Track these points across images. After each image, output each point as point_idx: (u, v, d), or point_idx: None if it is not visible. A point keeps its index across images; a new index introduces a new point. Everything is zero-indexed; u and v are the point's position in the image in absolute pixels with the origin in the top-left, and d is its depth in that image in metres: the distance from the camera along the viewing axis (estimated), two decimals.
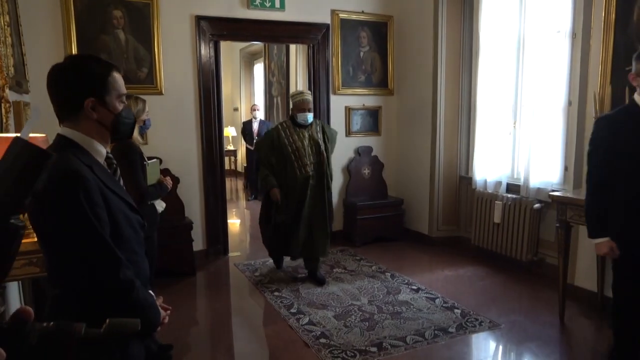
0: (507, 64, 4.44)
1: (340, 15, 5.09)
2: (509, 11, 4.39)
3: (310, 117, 3.97)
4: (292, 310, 3.54)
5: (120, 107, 1.36)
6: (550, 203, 3.82)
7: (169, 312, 1.48)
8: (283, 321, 3.40)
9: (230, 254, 4.98)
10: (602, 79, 3.36)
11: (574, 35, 3.70)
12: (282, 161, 3.94)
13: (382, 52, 5.37)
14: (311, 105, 4.01)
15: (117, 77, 1.36)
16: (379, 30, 5.31)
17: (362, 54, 5.28)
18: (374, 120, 5.45)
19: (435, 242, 5.12)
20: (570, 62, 3.77)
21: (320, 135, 4.03)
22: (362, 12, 5.19)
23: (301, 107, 3.92)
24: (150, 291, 1.46)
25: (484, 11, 4.62)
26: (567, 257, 3.38)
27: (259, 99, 9.80)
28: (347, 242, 5.25)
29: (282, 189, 3.96)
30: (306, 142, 3.94)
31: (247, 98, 10.45)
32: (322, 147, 4.00)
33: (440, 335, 3.12)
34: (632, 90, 3.12)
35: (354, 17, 5.17)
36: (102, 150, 1.37)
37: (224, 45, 4.87)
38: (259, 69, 10.11)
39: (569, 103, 3.81)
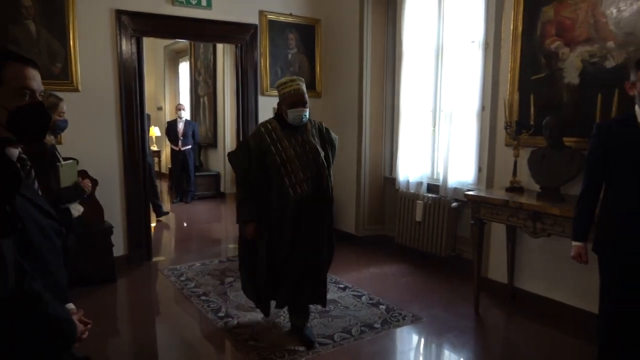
0: (428, 69, 4.68)
1: (268, 16, 5.08)
2: (429, 20, 4.63)
3: (306, 114, 2.86)
4: (220, 314, 3.48)
5: (19, 102, 1.21)
6: (466, 202, 4.07)
7: (89, 326, 1.38)
8: (211, 326, 3.34)
9: (155, 259, 4.80)
10: (510, 86, 3.65)
11: (486, 45, 3.98)
12: (267, 177, 2.88)
13: (310, 55, 5.44)
14: (307, 97, 2.88)
15: (17, 68, 1.22)
16: (307, 33, 5.37)
17: (290, 55, 5.31)
18: None
19: (362, 242, 5.26)
20: (483, 70, 4.04)
21: (317, 139, 2.97)
22: (291, 14, 5.23)
23: (293, 99, 2.79)
24: (71, 304, 1.37)
25: (406, 18, 4.83)
26: (481, 252, 3.62)
27: (185, 99, 9.52)
28: None
29: (269, 216, 2.90)
30: (300, 150, 2.86)
31: (172, 97, 10.12)
32: (322, 155, 2.93)
33: (367, 331, 3.22)
34: (536, 96, 3.44)
35: (282, 19, 5.19)
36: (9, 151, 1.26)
37: (147, 41, 4.69)
38: (184, 67, 9.83)
39: (482, 108, 4.09)
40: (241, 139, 5.13)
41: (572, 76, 3.28)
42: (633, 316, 2.17)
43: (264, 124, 2.96)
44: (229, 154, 3.01)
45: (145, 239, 4.72)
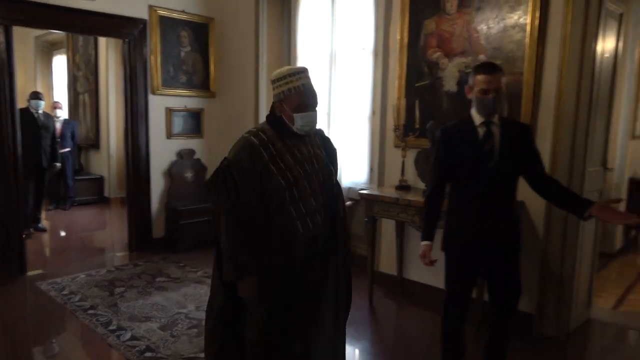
0: (322, 73, 4.83)
1: (159, 12, 4.85)
2: (322, 25, 4.79)
3: (316, 120, 2.12)
4: (112, 328, 3.25)
5: None
6: (359, 200, 4.28)
7: None
8: (101, 341, 3.10)
9: (30, 273, 4.32)
10: (398, 92, 3.92)
11: (375, 52, 4.22)
12: (265, 208, 2.03)
13: (204, 54, 5.30)
14: (317, 98, 2.12)
15: None
16: (200, 32, 5.23)
17: (183, 54, 5.12)
18: (196, 122, 5.34)
19: None
20: (373, 77, 4.29)
21: (322, 151, 2.21)
22: (183, 11, 5.05)
23: (302, 99, 2.04)
24: None
25: (300, 23, 4.95)
26: (374, 247, 3.84)
27: (61, 96, 8.68)
28: (169, 249, 5.03)
29: (270, 265, 2.04)
30: (309, 168, 2.08)
31: (45, 93, 9.15)
32: (333, 172, 2.22)
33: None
34: (421, 102, 3.74)
35: (174, 15, 4.99)
36: None
37: (14, 30, 4.18)
38: (60, 60, 8.96)
39: (373, 112, 4.33)
40: (131, 140, 4.84)
41: (450, 84, 3.63)
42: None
43: (256, 133, 2.08)
44: (209, 184, 2.05)
45: (17, 251, 4.23)
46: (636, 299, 4.08)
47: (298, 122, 2.04)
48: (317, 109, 2.10)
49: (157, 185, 5.08)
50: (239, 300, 2.05)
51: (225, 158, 2.07)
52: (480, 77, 2.27)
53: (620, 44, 3.59)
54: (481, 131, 2.31)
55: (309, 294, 2.05)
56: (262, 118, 5.13)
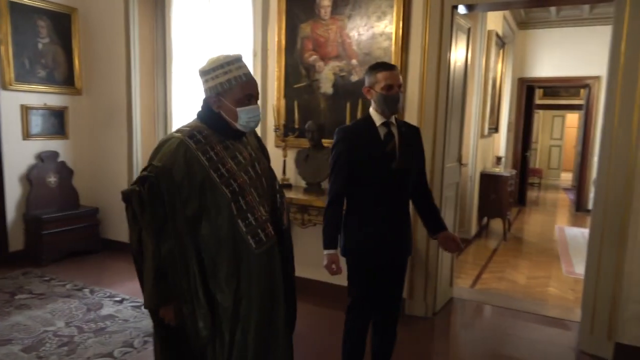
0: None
1: None
2: (198, 24, 4.68)
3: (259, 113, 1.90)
4: None
5: None
6: None
7: None
8: None
9: None
10: (278, 93, 4.00)
11: (255, 54, 4.26)
12: (203, 224, 1.76)
13: (67, 47, 4.85)
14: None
15: None
16: (61, 22, 4.77)
17: (41, 45, 4.63)
18: (59, 121, 4.86)
19: None
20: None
21: (262, 152, 2.05)
22: None
23: (246, 90, 1.80)
24: None
25: (174, 19, 4.78)
26: None
27: None
28: (31, 262, 4.52)
29: (222, 290, 1.77)
30: (253, 172, 1.85)
31: None
32: (275, 175, 2.08)
33: (150, 341, 3.09)
34: (300, 103, 3.85)
35: (27, 2, 4.48)
36: None
37: None
38: None
39: None
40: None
41: (326, 86, 3.80)
42: (376, 294, 2.42)
43: (190, 133, 1.76)
44: (129, 195, 1.71)
45: None
46: (489, 277, 4.68)
47: (243, 117, 1.77)
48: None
49: (13, 192, 4.54)
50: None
51: (151, 163, 1.71)
52: (382, 75, 2.25)
53: (470, 55, 4.09)
54: (382, 132, 2.30)
55: (264, 311, 1.80)
56: (137, 118, 4.94)
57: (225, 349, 1.76)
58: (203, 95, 1.85)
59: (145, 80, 4.91)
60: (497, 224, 6.73)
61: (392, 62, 3.47)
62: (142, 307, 1.68)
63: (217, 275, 1.74)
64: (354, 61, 3.65)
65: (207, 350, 1.79)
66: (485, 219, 6.62)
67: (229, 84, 1.75)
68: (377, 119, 2.31)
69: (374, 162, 2.27)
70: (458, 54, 3.68)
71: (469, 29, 3.89)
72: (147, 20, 4.87)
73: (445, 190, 3.60)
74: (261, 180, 1.86)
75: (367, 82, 2.32)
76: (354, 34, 3.65)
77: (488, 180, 6.21)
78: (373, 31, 3.57)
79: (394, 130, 2.32)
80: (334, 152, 2.34)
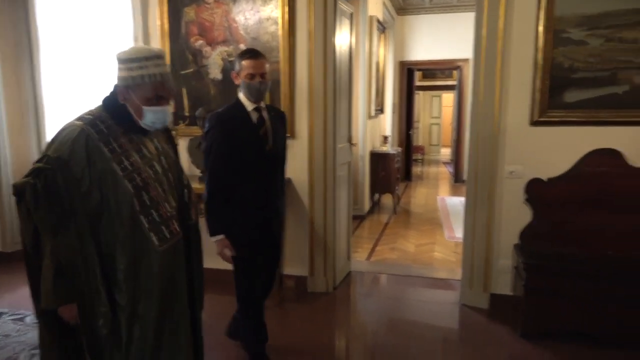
0: (75, 58, 4.34)
1: None
2: (71, 8, 4.28)
3: (169, 115, 1.93)
4: None
5: None
6: None
7: None
8: None
9: None
10: None
11: (135, 39, 4.01)
12: (103, 220, 1.64)
13: None
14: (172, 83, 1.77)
15: None
16: None
17: None
18: None
19: (14, 258, 4.49)
20: None
21: (169, 146, 1.91)
22: None
23: (155, 93, 1.67)
24: None
25: (39, 2, 4.32)
26: None
27: None
28: None
29: (122, 288, 1.68)
30: (159, 167, 1.75)
31: None
32: (183, 170, 1.96)
33: (37, 354, 2.85)
34: (188, 90, 3.74)
35: None
36: None
37: None
38: None
39: None
40: None
41: (215, 72, 3.73)
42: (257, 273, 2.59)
43: (92, 121, 1.64)
44: (20, 187, 1.55)
45: None
46: (383, 249, 5.00)
47: (149, 117, 1.68)
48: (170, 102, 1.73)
49: None
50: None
51: (46, 154, 1.58)
52: (246, 63, 2.37)
53: (354, 39, 4.27)
54: (254, 116, 2.43)
55: (165, 310, 1.73)
56: (1, 106, 4.38)
57: (122, 348, 1.69)
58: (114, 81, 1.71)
59: (9, 70, 4.38)
60: (387, 199, 7.18)
61: (280, 46, 3.52)
62: (33, 315, 1.51)
63: (116, 273, 1.66)
64: (242, 46, 3.62)
65: (103, 351, 1.70)
66: (376, 195, 7.02)
67: (142, 80, 1.63)
68: (248, 105, 2.43)
69: (249, 146, 2.38)
70: (343, 38, 3.82)
71: (351, 14, 4.06)
72: (4, 7, 4.33)
73: (338, 170, 3.76)
74: (167, 175, 1.77)
75: (236, 68, 2.43)
76: (240, 18, 3.61)
77: (377, 159, 6.58)
78: (260, 15, 3.57)
79: (265, 114, 2.47)
80: (208, 139, 2.37)
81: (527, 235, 3.24)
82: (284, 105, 3.56)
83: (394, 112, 8.33)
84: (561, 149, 3.16)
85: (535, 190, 3.20)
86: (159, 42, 3.80)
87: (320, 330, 3.22)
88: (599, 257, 3.03)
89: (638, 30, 2.95)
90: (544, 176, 3.18)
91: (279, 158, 2.58)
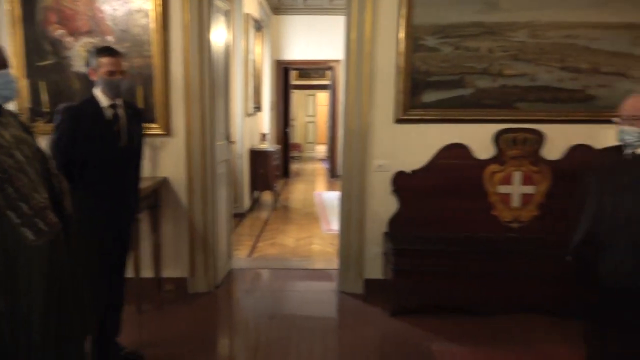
0: None
1: None
2: None
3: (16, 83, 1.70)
4: None
5: None
6: None
7: None
8: None
9: None
10: (17, 72, 3.44)
11: None
12: None
13: None
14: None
15: None
16: None
17: None
18: None
19: None
20: None
21: (28, 134, 1.70)
22: None
23: None
24: None
25: None
26: None
27: None
28: None
29: None
30: (19, 154, 1.55)
31: None
32: (48, 158, 1.78)
33: None
34: (48, 83, 3.42)
35: None
36: None
37: None
38: None
39: None
40: None
41: (80, 64, 3.45)
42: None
43: None
44: None
45: None
46: (263, 245, 5.07)
47: None
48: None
49: None
50: None
51: None
52: (105, 60, 2.40)
53: (230, 36, 4.26)
54: (109, 112, 2.43)
55: (50, 309, 1.58)
56: None
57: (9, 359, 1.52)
58: None
59: None
60: (267, 196, 7.27)
61: (153, 40, 3.39)
62: None
63: None
64: (109, 38, 3.40)
65: None
66: (256, 193, 7.07)
67: None
68: (104, 100, 2.44)
69: (101, 141, 2.39)
70: (219, 35, 3.80)
71: (227, 11, 4.05)
72: None
73: (217, 168, 3.74)
74: (32, 164, 1.60)
75: (91, 64, 2.43)
76: (107, 8, 3.39)
77: (256, 156, 6.63)
78: (129, 7, 3.38)
79: (121, 111, 2.48)
80: (57, 132, 2.36)
81: (395, 223, 3.57)
82: (158, 101, 3.44)
83: (271, 110, 8.45)
84: (421, 144, 3.53)
85: (400, 182, 3.53)
86: (8, 28, 3.40)
87: (203, 330, 3.18)
88: (455, 238, 3.46)
89: (479, 41, 3.42)
90: (408, 169, 3.53)
91: (133, 155, 2.59)
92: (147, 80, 3.42)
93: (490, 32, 3.40)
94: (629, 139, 2.18)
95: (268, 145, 7.19)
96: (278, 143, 8.72)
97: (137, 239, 3.21)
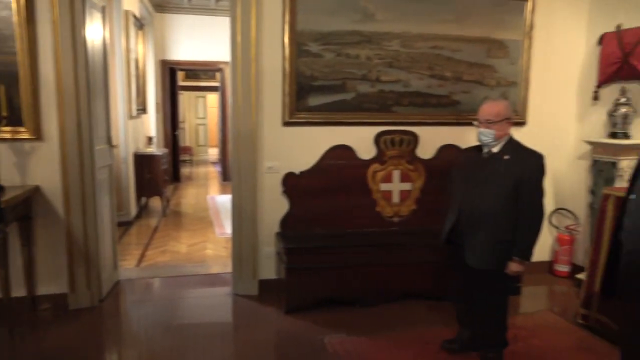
0: None
1: None
2: None
3: None
4: None
5: None
6: None
7: None
8: None
9: None
10: None
11: None
12: None
13: None
14: None
15: None
16: None
17: None
18: None
19: None
20: None
21: None
22: None
23: None
24: None
25: None
26: None
27: None
28: None
29: None
30: None
31: None
32: None
33: None
34: None
35: None
36: None
37: None
38: None
39: None
40: None
41: None
42: None
43: None
44: None
45: None
46: (153, 253, 4.86)
47: None
48: None
49: None
50: None
51: None
52: None
53: (107, 34, 4.02)
54: None
55: None
56: None
57: None
58: None
59: None
60: (155, 202, 6.95)
61: (17, 35, 3.10)
62: None
63: None
64: None
65: None
66: (143, 199, 6.73)
67: None
68: None
69: None
70: (95, 32, 3.57)
71: (103, 7, 3.82)
72: None
73: (97, 174, 3.51)
74: None
75: None
76: None
77: (142, 160, 6.31)
78: None
79: None
80: None
81: (286, 223, 3.66)
82: (25, 102, 3.15)
83: (157, 112, 8.09)
84: (308, 145, 3.66)
85: (290, 183, 3.63)
86: None
87: (88, 347, 2.98)
88: (343, 234, 3.64)
89: (358, 48, 3.64)
90: (297, 170, 3.64)
91: None
92: (12, 79, 3.11)
93: (368, 40, 3.65)
94: (486, 139, 2.54)
95: (155, 149, 6.89)
96: (166, 146, 8.38)
97: (4, 254, 2.91)
